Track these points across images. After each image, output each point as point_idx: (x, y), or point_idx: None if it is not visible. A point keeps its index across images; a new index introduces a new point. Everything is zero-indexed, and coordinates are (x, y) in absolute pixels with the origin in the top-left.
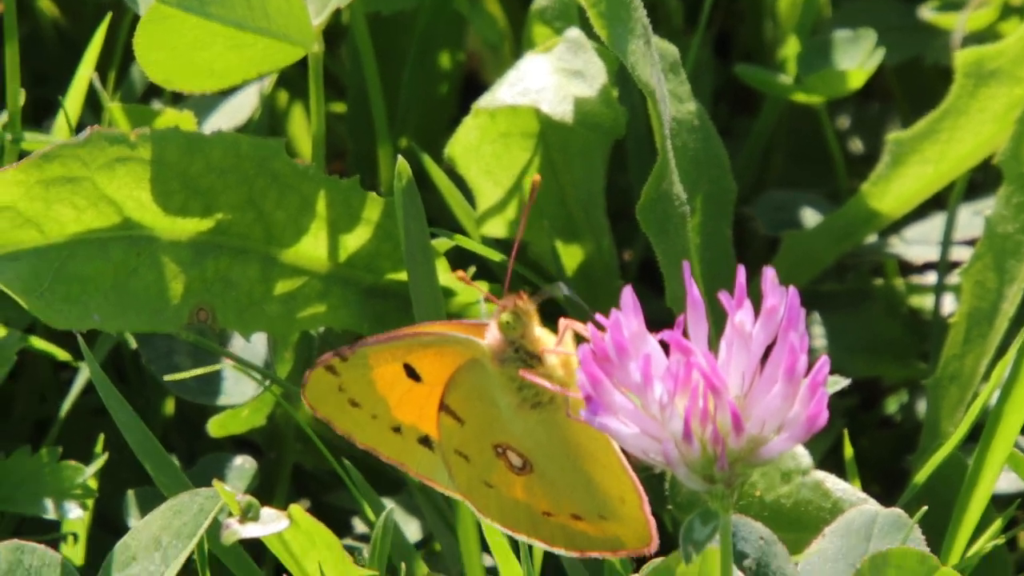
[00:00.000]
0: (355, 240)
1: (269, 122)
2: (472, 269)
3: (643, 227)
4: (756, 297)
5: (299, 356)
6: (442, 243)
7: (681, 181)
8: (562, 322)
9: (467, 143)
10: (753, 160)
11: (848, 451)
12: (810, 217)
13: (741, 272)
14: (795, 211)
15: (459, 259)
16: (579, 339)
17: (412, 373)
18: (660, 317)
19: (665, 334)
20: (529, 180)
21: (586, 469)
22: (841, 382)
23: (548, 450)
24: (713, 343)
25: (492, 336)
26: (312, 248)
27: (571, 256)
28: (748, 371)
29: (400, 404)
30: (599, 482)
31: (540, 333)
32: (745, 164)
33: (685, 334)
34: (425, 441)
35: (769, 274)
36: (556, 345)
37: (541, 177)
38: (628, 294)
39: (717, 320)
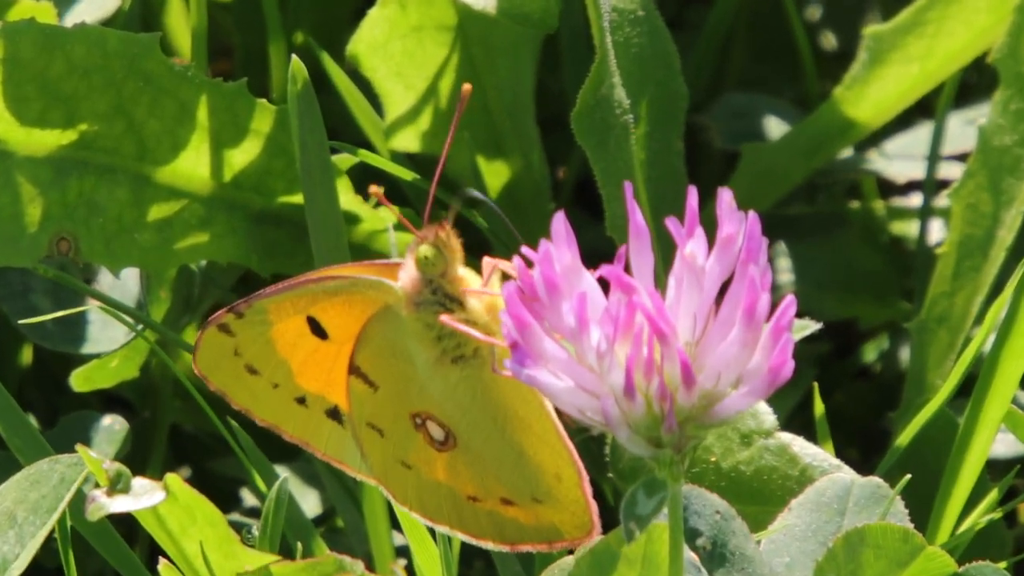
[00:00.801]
0: (242, 156)
1: (142, 13)
2: (379, 189)
3: (579, 139)
4: (710, 224)
5: (177, 295)
6: (344, 159)
7: (624, 84)
8: (487, 261)
9: (373, 39)
10: (708, 58)
11: (818, 408)
12: (774, 127)
13: (693, 194)
14: (757, 119)
15: (364, 178)
16: (505, 278)
17: (317, 328)
18: (599, 248)
19: (604, 269)
20: (447, 83)
21: (517, 439)
22: (811, 326)
23: (472, 416)
24: (660, 280)
25: (408, 276)
26: (192, 165)
27: (495, 174)
28: (701, 313)
29: (304, 368)
30: (532, 455)
31: (464, 273)
32: (699, 63)
33: (627, 269)
34: (334, 414)
35: (725, 196)
36: (482, 287)
37: (459, 79)
38: (560, 221)
39: (665, 252)
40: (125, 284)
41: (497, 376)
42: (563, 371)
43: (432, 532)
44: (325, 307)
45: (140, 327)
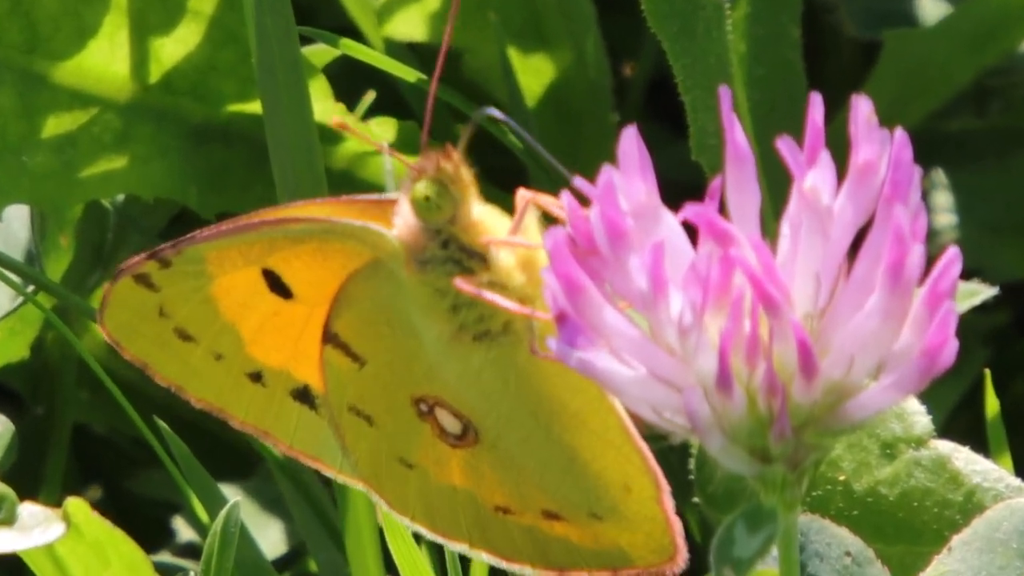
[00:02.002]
0: (175, 46)
1: None
2: (370, 95)
3: (651, 23)
4: (839, 146)
5: (83, 243)
6: (320, 52)
7: None
8: (522, 194)
9: None
10: None
11: (991, 405)
12: (929, 5)
13: (816, 102)
14: None
15: (347, 79)
16: (548, 221)
17: (278, 285)
18: (681, 178)
19: (689, 209)
20: None
21: (567, 439)
22: (982, 290)
23: (504, 408)
24: (769, 225)
25: (405, 221)
26: (104, 60)
27: (535, 72)
28: (826, 273)
29: (260, 335)
30: (589, 460)
31: (482, 214)
32: None
33: (722, 209)
34: (303, 395)
35: (862, 106)
36: (511, 235)
37: None
38: (629, 139)
39: (775, 186)
40: (9, 227)
41: (537, 358)
42: (631, 354)
43: (442, 556)
44: (287, 257)
45: (30, 289)
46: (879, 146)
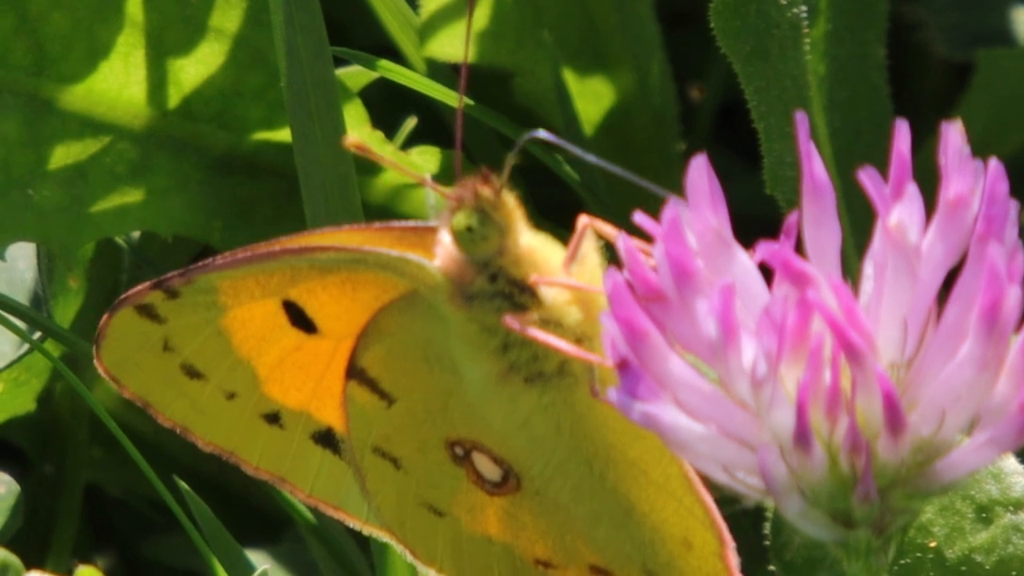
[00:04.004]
0: (197, 68)
1: None
2: (411, 121)
3: (722, 43)
4: (928, 177)
5: (95, 287)
6: (356, 74)
7: None
8: (583, 221)
9: None
10: None
11: None
12: None
13: (903, 130)
14: (1000, 11)
15: (388, 104)
16: (610, 256)
17: (300, 318)
18: (754, 213)
19: (763, 248)
20: None
21: (624, 489)
22: None
23: (556, 454)
24: (851, 265)
25: (448, 252)
26: (118, 83)
27: (593, 97)
28: (915, 318)
29: (279, 373)
30: (647, 512)
31: (533, 244)
32: None
33: (799, 248)
34: (326, 439)
35: (953, 135)
36: (565, 268)
37: None
38: (699, 169)
39: (858, 221)
40: (14, 267)
41: (596, 402)
42: (698, 407)
43: None
44: (313, 289)
45: (37, 335)
46: (972, 178)
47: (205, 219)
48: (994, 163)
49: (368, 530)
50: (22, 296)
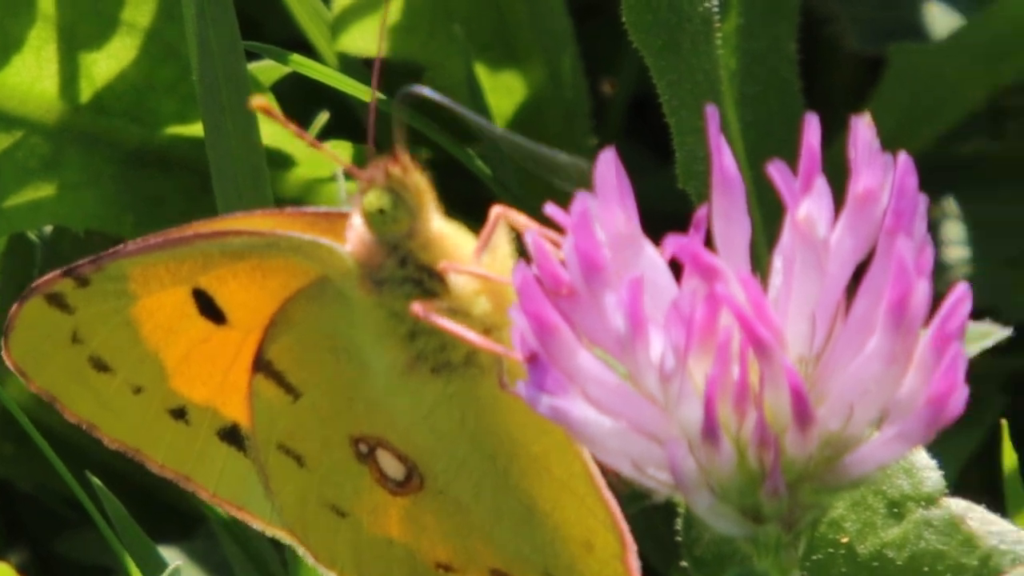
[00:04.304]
0: (108, 62)
1: None
2: (323, 116)
3: (634, 37)
4: (837, 171)
5: (7, 282)
6: (268, 68)
7: None
8: (496, 212)
9: None
10: None
11: (1008, 458)
12: (939, 18)
13: (813, 124)
14: (911, 6)
15: (300, 98)
16: (521, 250)
17: (209, 307)
18: (664, 207)
19: (673, 242)
20: None
21: (526, 487)
22: (996, 331)
23: (459, 448)
24: (760, 259)
25: (359, 236)
26: (29, 77)
27: (505, 90)
28: (823, 312)
29: (186, 365)
30: (549, 511)
31: (444, 229)
32: None
33: (708, 242)
34: (231, 435)
35: (862, 129)
36: (476, 256)
37: None
38: (607, 163)
39: (768, 215)
40: None
41: (501, 394)
42: (607, 401)
43: None
44: (223, 276)
45: None
46: (881, 172)
47: (117, 213)
48: (903, 157)
49: (271, 531)
50: None
